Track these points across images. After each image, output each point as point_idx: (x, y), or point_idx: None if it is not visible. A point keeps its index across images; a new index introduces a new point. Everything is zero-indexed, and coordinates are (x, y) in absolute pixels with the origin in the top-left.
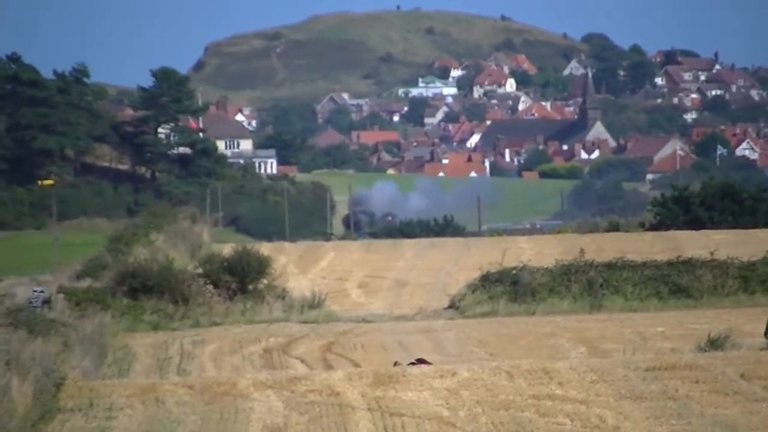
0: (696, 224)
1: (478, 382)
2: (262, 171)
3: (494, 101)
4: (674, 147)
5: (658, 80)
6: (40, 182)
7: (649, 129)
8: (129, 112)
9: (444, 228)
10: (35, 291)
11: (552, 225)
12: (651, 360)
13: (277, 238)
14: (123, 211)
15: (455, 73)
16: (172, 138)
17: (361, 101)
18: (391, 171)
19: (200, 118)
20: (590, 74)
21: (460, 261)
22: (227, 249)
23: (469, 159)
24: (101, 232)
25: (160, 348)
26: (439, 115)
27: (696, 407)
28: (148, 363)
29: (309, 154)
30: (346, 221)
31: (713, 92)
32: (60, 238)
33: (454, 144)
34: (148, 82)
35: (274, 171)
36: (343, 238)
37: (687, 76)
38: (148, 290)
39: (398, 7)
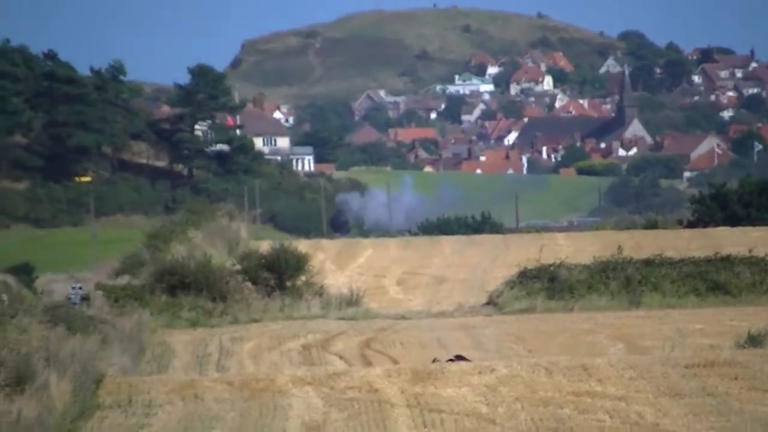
0: (734, 221)
1: (517, 378)
2: (300, 168)
3: (531, 99)
4: (711, 144)
5: (695, 78)
6: (77, 179)
7: (686, 127)
8: (165, 109)
9: (482, 225)
10: (74, 288)
11: (589, 222)
12: (690, 357)
13: (314, 235)
14: (160, 208)
15: (492, 70)
16: (209, 135)
17: (397, 98)
18: (428, 168)
19: (237, 116)
20: (627, 72)
21: (498, 258)
22: (265, 246)
23: (507, 156)
24: (138, 229)
25: (198, 345)
26: (476, 113)
27: (735, 404)
28: (187, 360)
29: (346, 151)
30: (334, 223)
31: (750, 90)
32: (97, 234)
33: (492, 141)
34: (184, 79)
35: (311, 168)
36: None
37: (723, 73)
38: (187, 287)
39: (435, 5)
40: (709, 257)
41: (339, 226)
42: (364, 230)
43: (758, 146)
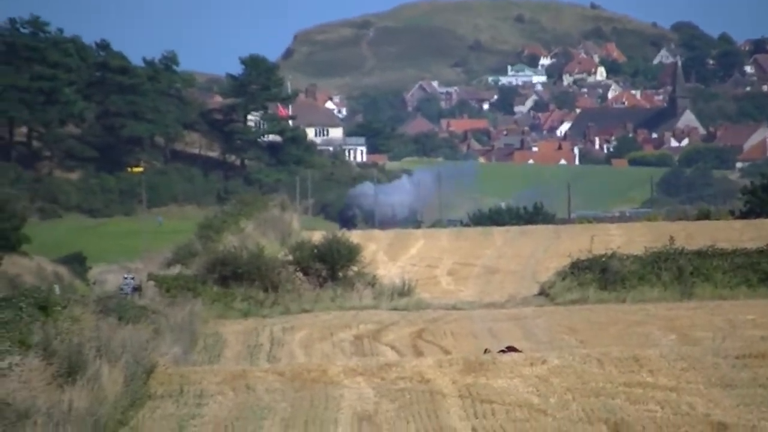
0: None
1: (569, 369)
2: (352, 159)
3: (584, 89)
4: (764, 135)
5: (747, 68)
6: (129, 169)
7: (738, 117)
8: (218, 99)
9: (534, 215)
10: (125, 278)
11: (641, 213)
12: (741, 348)
13: (366, 226)
14: (213, 199)
15: (544, 61)
16: (261, 126)
17: (450, 89)
18: (481, 159)
19: (289, 106)
20: (679, 63)
21: (550, 248)
22: (317, 236)
23: (559, 147)
24: (191, 219)
25: (250, 335)
26: (529, 104)
27: None
28: (239, 350)
29: (398, 142)
30: (342, 216)
31: None
32: (163, 221)
33: (544, 132)
34: (237, 69)
35: (364, 159)
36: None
37: None
38: (239, 277)
39: None
40: (761, 248)
41: (346, 220)
42: (374, 224)
43: None
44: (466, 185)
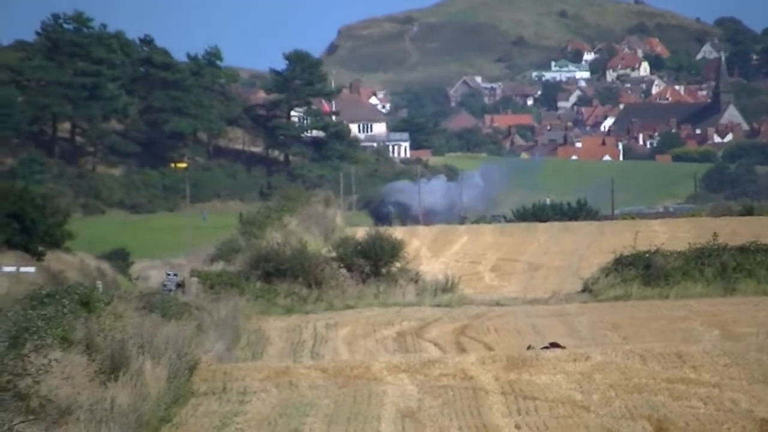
0: None
1: (612, 365)
2: (396, 154)
3: (627, 85)
4: None
5: None
6: (172, 165)
7: None
8: (261, 95)
9: (577, 212)
10: (169, 274)
11: (685, 209)
12: None
13: (410, 222)
14: (256, 194)
15: (588, 56)
16: (305, 121)
17: (494, 85)
18: (524, 155)
19: (333, 102)
20: (723, 58)
21: (594, 244)
22: (360, 232)
23: (603, 143)
24: (234, 215)
25: (293, 331)
26: (572, 99)
27: None
28: (282, 346)
29: (442, 137)
30: (376, 211)
31: None
32: (207, 216)
33: (588, 128)
34: (280, 65)
35: (408, 154)
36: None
37: None
38: (282, 274)
39: None
40: None
41: (381, 217)
42: (408, 221)
43: None
44: (531, 181)
